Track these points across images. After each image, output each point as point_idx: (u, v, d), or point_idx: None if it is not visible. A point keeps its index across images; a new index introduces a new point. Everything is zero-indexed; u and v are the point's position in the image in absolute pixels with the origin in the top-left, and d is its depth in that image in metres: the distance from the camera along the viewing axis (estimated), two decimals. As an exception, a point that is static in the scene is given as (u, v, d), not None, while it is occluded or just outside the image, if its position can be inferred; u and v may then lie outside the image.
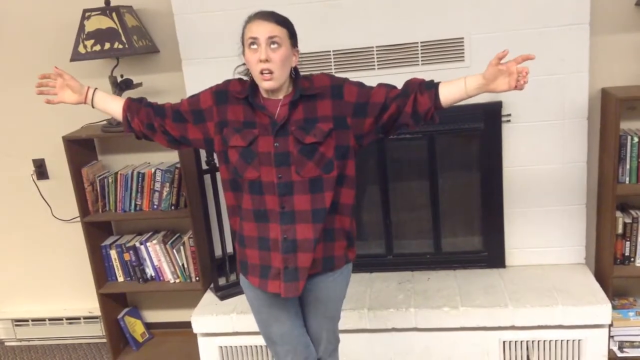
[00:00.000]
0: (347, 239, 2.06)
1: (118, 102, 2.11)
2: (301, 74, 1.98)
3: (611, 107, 2.68)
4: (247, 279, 2.07)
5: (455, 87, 1.87)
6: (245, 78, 1.99)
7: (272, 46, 1.83)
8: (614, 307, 2.83)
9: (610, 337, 2.80)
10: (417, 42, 2.79)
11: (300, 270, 1.96)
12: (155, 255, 3.20)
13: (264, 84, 1.87)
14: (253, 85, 1.93)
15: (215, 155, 2.03)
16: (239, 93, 1.95)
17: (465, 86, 1.86)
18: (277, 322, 2.10)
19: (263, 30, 1.83)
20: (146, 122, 2.06)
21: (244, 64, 1.95)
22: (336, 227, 2.00)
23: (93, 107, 2.13)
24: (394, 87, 1.94)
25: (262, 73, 1.84)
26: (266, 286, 2.00)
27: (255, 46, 1.84)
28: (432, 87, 1.89)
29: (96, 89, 2.13)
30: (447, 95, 1.87)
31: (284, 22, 1.87)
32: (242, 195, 1.97)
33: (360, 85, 1.95)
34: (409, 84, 1.92)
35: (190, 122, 2.01)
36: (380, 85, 1.95)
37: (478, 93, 1.87)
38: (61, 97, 2.10)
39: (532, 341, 2.74)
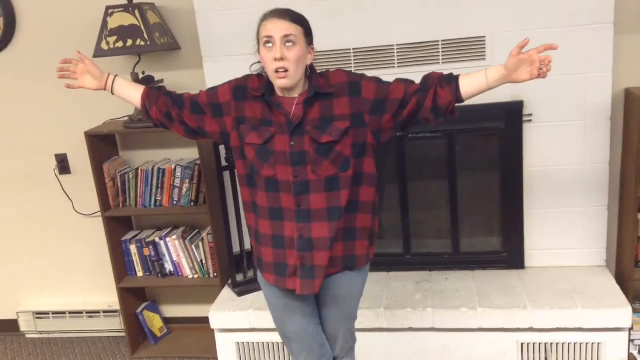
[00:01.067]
0: (370, 238, 2.05)
1: (137, 90, 2.12)
2: (318, 71, 1.97)
3: (635, 108, 2.64)
4: (263, 275, 2.08)
5: (476, 79, 1.86)
6: (264, 74, 1.99)
7: (287, 44, 1.83)
8: (635, 311, 2.79)
9: (630, 340, 2.77)
10: (438, 41, 2.78)
11: (316, 268, 1.96)
12: (175, 251, 3.22)
13: (279, 82, 1.86)
14: (269, 83, 1.93)
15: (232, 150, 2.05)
16: (256, 90, 1.95)
17: (487, 78, 1.84)
18: (293, 320, 2.11)
19: (278, 28, 1.83)
20: (164, 111, 2.06)
21: (259, 62, 1.95)
22: (357, 226, 1.99)
23: (113, 93, 2.14)
24: (413, 82, 1.92)
25: (277, 71, 1.84)
26: (284, 283, 2.01)
27: (270, 45, 1.84)
28: (452, 80, 1.87)
29: (116, 76, 2.14)
30: (468, 88, 1.86)
31: (299, 20, 1.87)
32: (256, 191, 1.98)
33: (378, 81, 1.94)
34: (428, 78, 1.91)
35: (209, 114, 2.01)
36: (398, 80, 1.93)
37: (500, 84, 1.85)
38: (82, 82, 2.11)
39: (551, 343, 2.71)
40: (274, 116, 1.92)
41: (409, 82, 1.92)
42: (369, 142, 1.93)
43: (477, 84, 1.86)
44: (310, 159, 1.89)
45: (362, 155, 1.94)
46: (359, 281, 2.11)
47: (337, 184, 1.91)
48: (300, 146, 1.89)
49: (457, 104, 1.88)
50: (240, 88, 1.98)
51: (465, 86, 1.86)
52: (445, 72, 1.92)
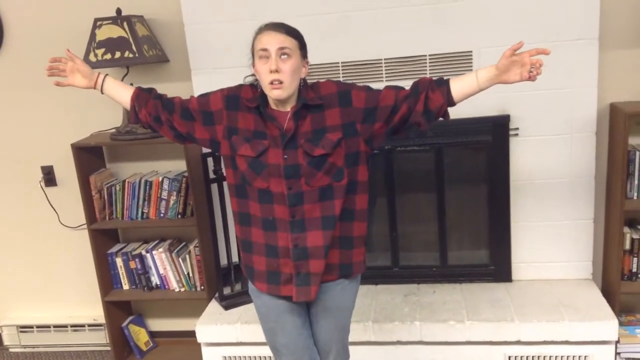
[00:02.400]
0: (365, 245, 2.07)
1: (127, 90, 2.10)
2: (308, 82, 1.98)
3: (620, 123, 2.67)
4: (255, 285, 2.07)
5: (467, 81, 1.87)
6: (257, 85, 1.99)
7: (283, 57, 1.83)
8: (621, 324, 2.81)
9: (617, 353, 2.78)
10: (425, 55, 2.80)
11: (312, 275, 1.96)
12: (161, 264, 3.20)
13: (273, 93, 1.86)
14: (263, 96, 1.93)
15: (222, 160, 2.03)
16: (250, 101, 1.94)
17: (477, 79, 1.86)
18: (283, 331, 2.09)
19: (274, 41, 1.83)
20: (154, 114, 2.04)
21: (253, 75, 1.95)
22: (355, 234, 2.01)
23: (102, 92, 2.11)
24: (402, 88, 1.93)
25: (271, 83, 1.84)
26: (278, 290, 2.00)
27: (265, 57, 1.84)
28: (443, 83, 1.88)
29: (107, 75, 2.12)
30: (459, 90, 1.87)
31: (294, 33, 1.88)
32: (247, 202, 1.97)
33: (368, 89, 1.94)
34: (418, 83, 1.91)
35: (199, 121, 2.00)
36: (388, 87, 1.94)
37: (490, 84, 1.87)
38: (71, 80, 2.09)
39: (538, 356, 2.72)
40: (268, 129, 1.92)
41: (398, 89, 1.93)
42: (362, 150, 1.94)
43: (468, 86, 1.87)
44: (304, 172, 1.90)
45: (355, 164, 1.94)
46: (352, 291, 2.11)
47: (331, 193, 1.92)
48: (294, 159, 1.89)
49: (449, 107, 1.90)
50: (233, 97, 1.97)
51: (457, 88, 1.87)
52: (435, 78, 1.94)
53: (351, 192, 1.95)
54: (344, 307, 2.12)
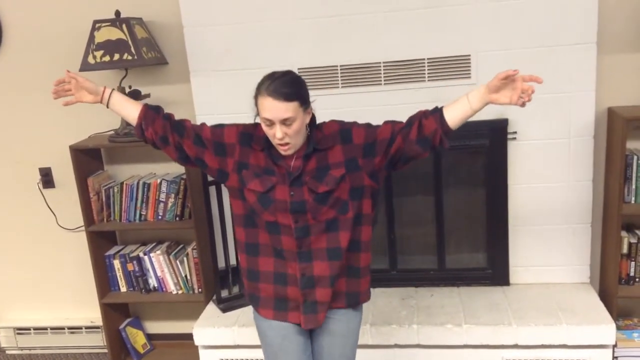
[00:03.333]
0: (370, 273, 2.11)
1: (134, 106, 2.08)
2: (316, 122, 2.00)
3: (617, 127, 2.68)
4: (259, 312, 2.08)
5: (459, 104, 1.89)
6: None
7: (287, 123, 1.84)
8: (618, 328, 2.81)
9: (615, 358, 2.78)
10: (423, 59, 2.80)
11: (319, 304, 2.01)
12: (159, 266, 3.20)
13: (283, 153, 1.92)
14: (268, 139, 1.95)
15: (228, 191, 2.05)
16: (257, 144, 1.97)
17: (469, 101, 1.87)
18: (286, 355, 2.08)
19: (276, 112, 1.83)
20: (161, 134, 2.04)
21: None
22: (362, 265, 2.05)
23: (108, 107, 2.10)
24: (400, 122, 1.96)
25: (279, 144, 1.89)
26: (285, 317, 2.04)
27: (269, 123, 1.86)
28: (436, 110, 1.91)
29: (113, 90, 2.11)
30: (453, 114, 1.88)
31: (294, 95, 1.85)
32: (257, 231, 2.00)
33: (367, 126, 1.98)
34: (413, 116, 1.95)
35: (210, 150, 2.01)
36: (386, 122, 1.98)
37: (482, 103, 1.87)
38: (78, 97, 2.08)
39: (536, 360, 2.72)
40: (277, 167, 1.96)
41: (396, 122, 1.96)
42: (366, 184, 1.97)
43: (460, 109, 1.88)
44: (310, 207, 1.93)
45: (361, 198, 1.98)
46: (356, 320, 2.14)
47: (337, 225, 1.96)
48: (300, 196, 1.93)
49: (446, 133, 1.90)
50: (248, 135, 1.99)
51: (450, 113, 1.88)
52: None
53: (357, 224, 1.99)
54: (348, 335, 2.12)
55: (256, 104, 1.89)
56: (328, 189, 1.92)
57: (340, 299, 2.05)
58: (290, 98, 1.83)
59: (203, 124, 2.06)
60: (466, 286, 3.06)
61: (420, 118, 1.90)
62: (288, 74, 1.89)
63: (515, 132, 2.84)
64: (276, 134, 1.85)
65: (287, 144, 1.88)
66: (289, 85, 1.85)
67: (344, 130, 1.97)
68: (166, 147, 2.07)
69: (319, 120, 2.02)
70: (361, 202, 1.98)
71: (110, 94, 2.09)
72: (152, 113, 2.06)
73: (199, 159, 2.04)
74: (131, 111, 2.08)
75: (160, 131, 2.04)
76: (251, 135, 1.99)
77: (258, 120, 1.94)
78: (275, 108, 1.82)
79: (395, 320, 2.80)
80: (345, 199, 1.94)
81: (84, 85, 2.07)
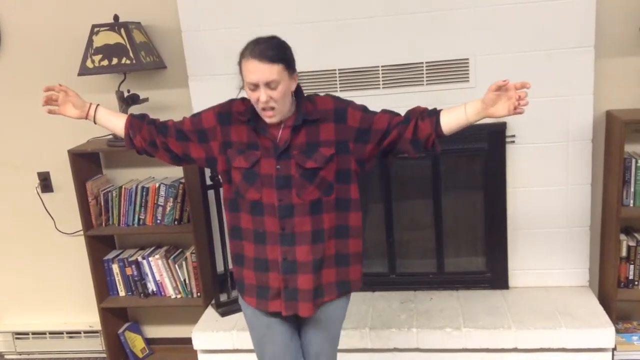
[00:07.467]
0: (361, 262, 2.08)
1: (120, 118, 2.11)
2: (305, 94, 1.97)
3: (616, 130, 2.68)
4: (244, 299, 2.08)
5: (456, 113, 1.88)
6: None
7: (271, 86, 1.83)
8: (618, 331, 2.81)
9: (614, 361, 2.78)
10: (422, 62, 2.80)
11: (300, 292, 1.97)
12: (157, 270, 3.19)
13: (267, 120, 1.89)
14: (254, 108, 1.93)
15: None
16: (242, 115, 1.95)
17: (466, 112, 1.87)
18: (271, 342, 2.09)
19: (260, 74, 1.81)
20: (148, 139, 2.06)
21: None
22: (351, 251, 2.02)
23: (95, 122, 2.13)
24: (398, 114, 1.95)
25: (263, 109, 1.86)
26: (266, 306, 2.01)
27: (254, 87, 1.84)
28: (433, 114, 1.90)
29: (98, 105, 2.13)
30: (448, 121, 1.88)
31: (279, 58, 1.83)
32: (239, 215, 1.99)
33: (364, 109, 1.96)
34: (411, 111, 1.93)
35: (194, 141, 2.02)
36: (383, 111, 1.96)
37: (479, 118, 1.87)
38: (62, 110, 2.11)
39: (535, 364, 2.72)
40: (260, 140, 1.93)
41: (394, 114, 1.95)
42: (353, 169, 1.95)
43: (456, 118, 1.88)
44: (296, 183, 1.91)
45: (348, 182, 1.96)
46: (344, 305, 2.12)
47: (321, 207, 1.93)
48: (287, 170, 1.91)
49: (438, 138, 1.90)
50: (225, 113, 1.99)
51: (446, 119, 1.88)
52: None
53: (344, 210, 1.97)
54: (335, 319, 2.12)
55: (241, 72, 1.88)
56: (316, 165, 1.89)
57: (332, 290, 2.01)
58: (275, 60, 1.82)
59: (184, 118, 2.07)
60: (465, 290, 3.05)
61: (417, 118, 1.89)
62: (273, 38, 1.87)
63: (513, 136, 2.84)
64: (260, 97, 1.82)
65: (272, 109, 1.85)
66: (273, 48, 1.84)
67: (339, 109, 1.93)
68: (156, 151, 2.08)
69: None
70: (349, 186, 1.96)
71: (96, 109, 2.11)
72: (137, 121, 2.08)
73: (186, 155, 2.04)
74: (118, 123, 2.11)
75: (148, 137, 2.06)
76: (229, 113, 1.98)
77: (242, 95, 1.94)
78: (260, 70, 1.81)
79: (395, 324, 2.79)
80: (331, 181, 1.92)
81: (72, 100, 2.09)
